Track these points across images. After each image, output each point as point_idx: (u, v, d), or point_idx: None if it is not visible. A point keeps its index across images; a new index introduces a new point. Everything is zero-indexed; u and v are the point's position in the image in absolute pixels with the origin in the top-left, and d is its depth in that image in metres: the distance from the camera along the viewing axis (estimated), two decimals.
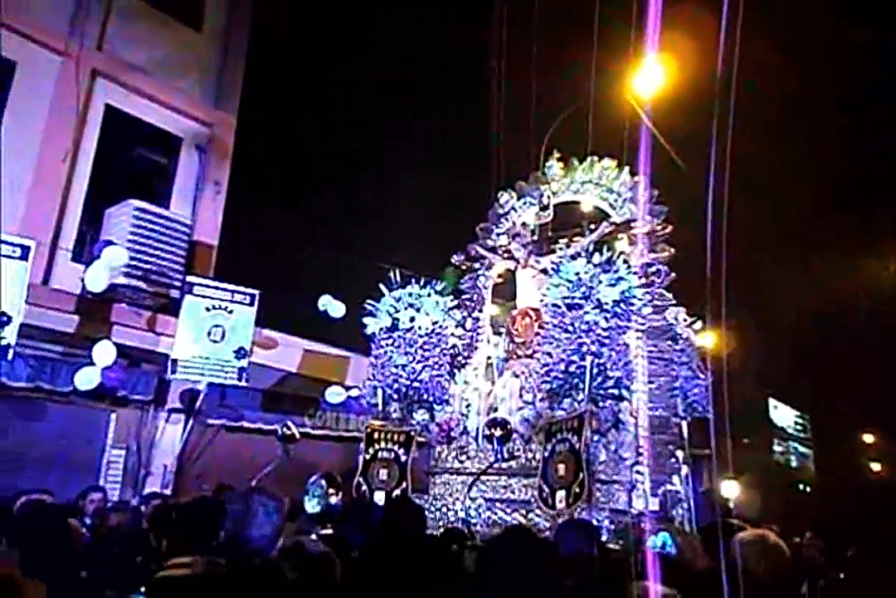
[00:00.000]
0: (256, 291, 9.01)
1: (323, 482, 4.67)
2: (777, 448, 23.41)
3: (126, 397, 8.51)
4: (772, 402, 23.13)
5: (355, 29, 10.98)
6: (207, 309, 8.73)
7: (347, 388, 9.83)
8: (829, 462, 23.05)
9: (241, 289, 8.95)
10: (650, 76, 6.41)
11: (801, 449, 24.86)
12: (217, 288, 8.88)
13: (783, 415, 24.20)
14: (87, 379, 7.63)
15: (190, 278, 8.81)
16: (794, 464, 24.47)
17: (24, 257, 7.41)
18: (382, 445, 5.58)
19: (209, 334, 8.69)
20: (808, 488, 23.43)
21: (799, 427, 24.97)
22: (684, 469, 5.76)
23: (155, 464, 8.73)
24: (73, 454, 8.13)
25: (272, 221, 9.97)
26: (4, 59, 8.37)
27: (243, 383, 8.86)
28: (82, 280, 8.12)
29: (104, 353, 7.67)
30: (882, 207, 15.23)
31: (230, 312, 8.86)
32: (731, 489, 7.46)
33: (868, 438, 23.79)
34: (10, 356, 7.14)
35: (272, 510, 2.43)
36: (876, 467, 23.34)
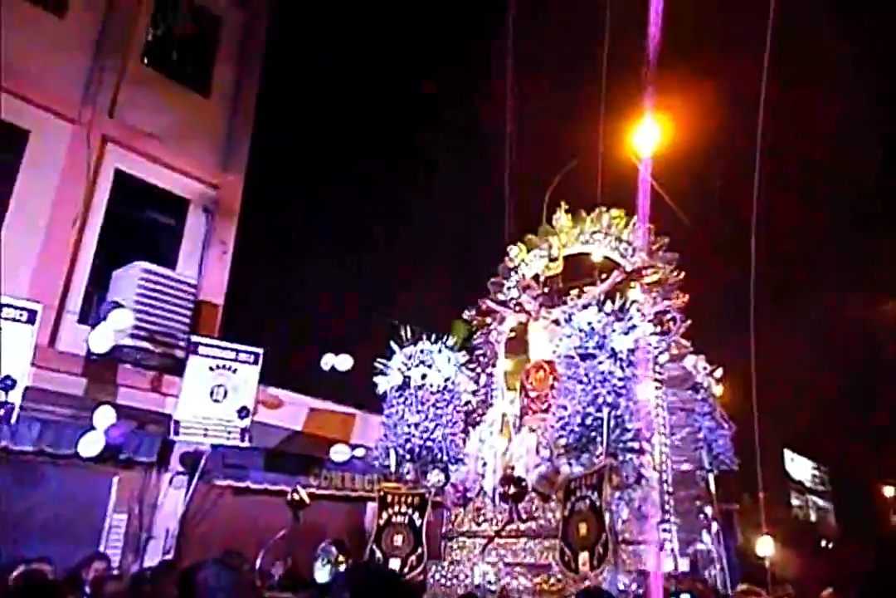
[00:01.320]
0: (260, 350, 8.95)
1: (332, 549, 4.47)
2: (795, 502, 22.75)
3: (129, 460, 8.35)
4: (788, 454, 22.61)
5: (361, 92, 11.28)
6: (211, 369, 8.66)
7: (353, 446, 9.64)
8: (850, 516, 22.36)
9: (246, 348, 8.89)
10: (655, 131, 6.54)
11: (821, 503, 24.14)
12: (221, 347, 8.83)
13: (800, 467, 23.60)
14: (89, 445, 7.49)
15: (194, 338, 8.77)
16: (813, 518, 23.72)
17: (31, 321, 7.40)
18: (396, 508, 5.36)
19: (212, 393, 8.59)
20: (829, 544, 22.64)
21: (817, 480, 24.32)
22: (714, 526, 5.54)
23: (157, 528, 8.51)
24: (74, 520, 7.95)
25: (278, 279, 10.00)
26: (18, 128, 8.59)
27: (246, 444, 8.68)
28: (87, 341, 8.08)
29: (106, 418, 7.56)
30: None
31: (234, 371, 8.78)
32: (766, 547, 7.09)
33: (889, 490, 23.18)
34: (14, 420, 7.01)
35: (224, 582, 2.29)
36: None
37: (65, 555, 6.72)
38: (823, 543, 21.85)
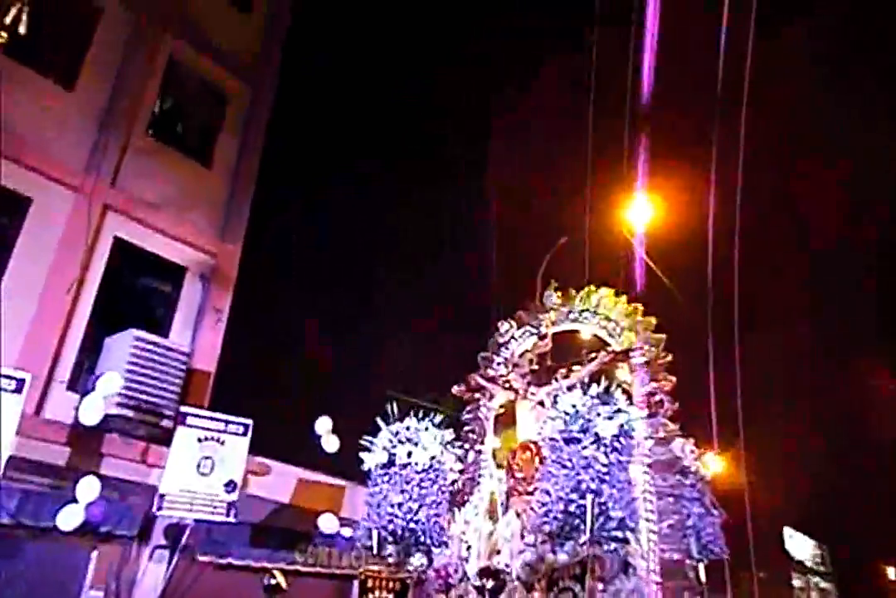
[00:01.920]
0: (250, 421, 8.83)
1: None
2: (796, 583, 21.95)
3: (109, 533, 8.10)
4: (787, 531, 21.98)
5: (357, 163, 11.59)
6: (199, 440, 8.52)
7: (342, 520, 9.40)
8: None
9: (235, 419, 8.77)
10: (644, 209, 6.71)
11: (822, 584, 23.30)
12: (210, 418, 8.70)
13: (800, 546, 22.89)
14: (69, 518, 7.31)
15: (184, 409, 8.65)
16: None
17: (18, 390, 7.32)
18: (377, 593, 5.18)
19: (199, 466, 8.41)
20: None
21: (818, 560, 23.56)
22: None
23: None
24: (49, 595, 7.63)
25: (270, 348, 10.00)
26: (19, 195, 8.75)
27: (230, 519, 8.46)
28: (76, 410, 7.99)
29: (88, 490, 7.40)
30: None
31: (222, 443, 8.63)
32: None
33: (892, 571, 22.48)
34: None
35: None
36: None
37: None
38: None
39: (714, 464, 6.44)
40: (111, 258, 9.37)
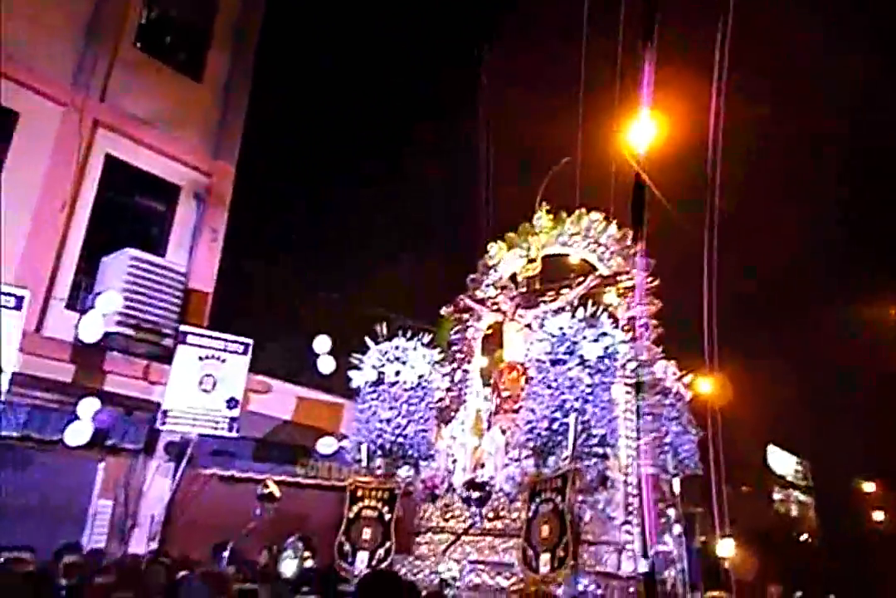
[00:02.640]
0: (250, 341, 8.99)
1: (299, 545, 4.55)
2: (777, 496, 22.96)
3: (116, 446, 8.44)
4: (770, 448, 22.77)
5: (353, 83, 11.24)
6: (200, 358, 8.71)
7: (341, 436, 9.72)
8: (831, 512, 22.60)
9: (235, 338, 8.92)
10: (642, 130, 6.54)
11: (802, 497, 24.37)
12: (210, 337, 8.86)
13: (783, 462, 23.79)
14: (77, 434, 7.58)
15: (184, 328, 8.80)
16: (794, 513, 23.94)
17: (18, 307, 7.43)
18: (366, 502, 5.45)
19: (201, 383, 8.64)
20: (810, 539, 22.90)
21: (799, 475, 24.53)
22: (677, 528, 5.63)
23: (142, 515, 8.60)
24: (60, 505, 8.04)
25: (267, 268, 10.03)
26: (8, 111, 8.57)
27: (234, 434, 8.76)
28: (76, 328, 8.13)
29: (90, 408, 7.64)
30: (883, 257, 15.31)
31: (223, 361, 8.83)
32: (726, 549, 7.23)
33: (869, 486, 23.41)
34: (0, 406, 7.09)
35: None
36: (878, 516, 22.90)
37: (49, 540, 6.86)
38: (804, 537, 22.12)
39: (699, 385, 6.56)
40: (104, 176, 9.26)
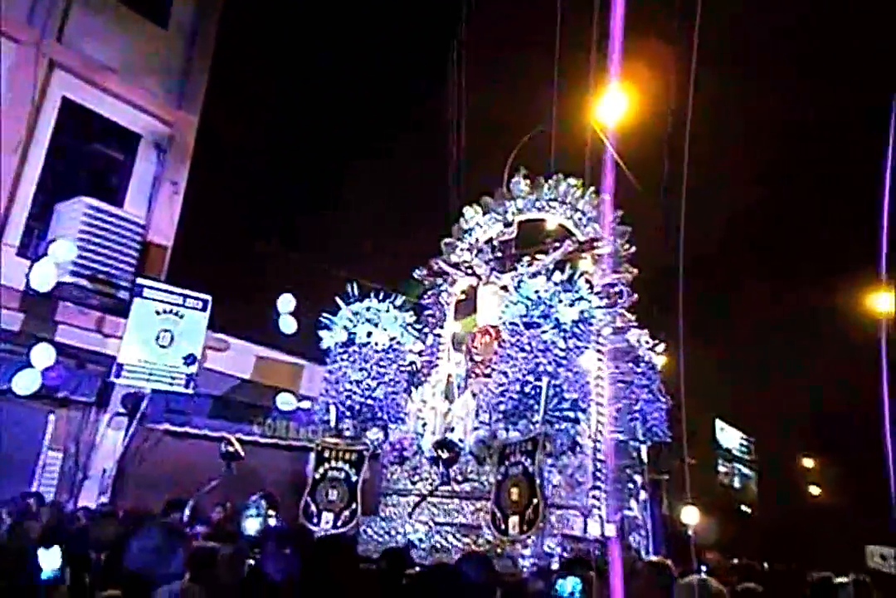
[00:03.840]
0: (209, 297, 8.77)
1: (263, 503, 4.47)
2: (721, 469, 23.84)
3: (67, 398, 8.22)
4: (719, 424, 23.57)
5: (322, 31, 10.86)
6: (157, 313, 8.48)
7: (300, 397, 9.64)
8: (772, 485, 23.60)
9: (194, 294, 8.70)
10: (613, 100, 6.48)
11: (745, 470, 25.37)
12: (168, 292, 8.62)
13: (729, 437, 24.68)
14: (25, 383, 7.32)
15: (140, 281, 8.54)
16: (736, 485, 24.93)
17: None
18: (333, 464, 5.40)
19: (157, 338, 8.43)
20: (750, 510, 23.89)
21: (744, 449, 25.49)
22: (643, 494, 5.73)
23: (94, 468, 8.43)
24: (8, 454, 7.78)
25: (229, 224, 9.74)
26: None
27: (189, 391, 8.60)
28: (27, 276, 7.81)
29: (43, 355, 7.38)
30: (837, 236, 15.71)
31: (181, 317, 8.61)
32: (690, 515, 7.45)
33: (808, 462, 24.47)
34: None
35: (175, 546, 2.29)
36: (815, 490, 23.99)
37: None
38: (744, 508, 23.06)
39: (664, 357, 6.64)
40: (60, 120, 8.81)
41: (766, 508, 22.52)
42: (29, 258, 8.15)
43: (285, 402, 9.32)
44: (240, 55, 10.28)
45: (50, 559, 3.06)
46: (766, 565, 6.79)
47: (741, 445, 25.33)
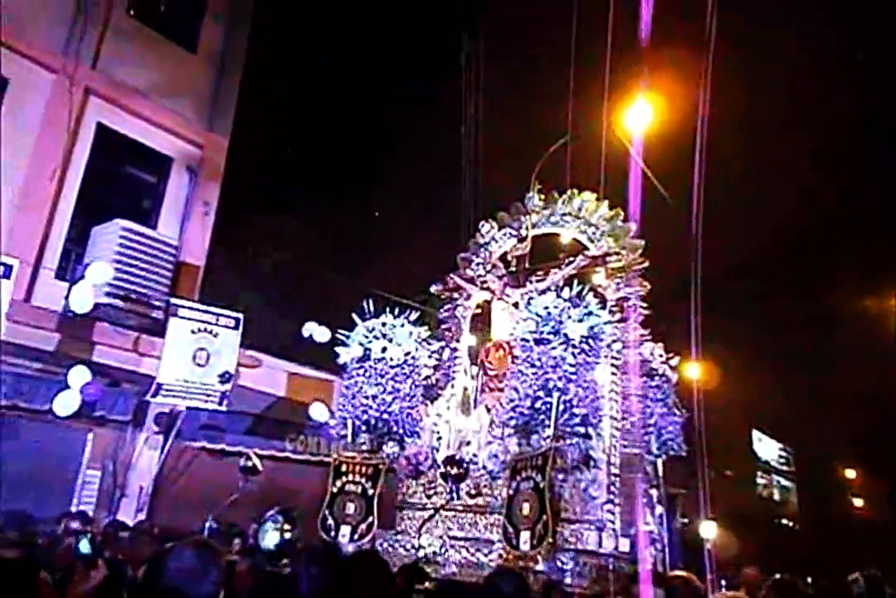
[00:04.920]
0: (241, 315, 8.97)
1: (279, 517, 4.57)
2: (760, 481, 23.22)
3: (104, 417, 8.45)
4: (756, 434, 23.00)
5: (345, 54, 11.09)
6: (192, 332, 8.67)
7: (331, 412, 9.73)
8: (813, 497, 22.91)
9: (226, 312, 8.90)
10: (638, 113, 6.49)
11: (784, 483, 24.65)
12: (202, 311, 8.83)
13: (768, 448, 24.03)
14: (66, 403, 7.57)
15: (175, 301, 8.75)
16: (776, 497, 24.24)
17: (6, 276, 7.38)
18: (350, 477, 5.48)
19: (194, 357, 8.61)
20: (790, 523, 23.21)
21: (783, 461, 24.79)
22: (658, 509, 5.68)
23: (131, 486, 8.64)
24: (48, 474, 8.03)
25: (259, 243, 9.98)
26: None
27: (223, 408, 8.78)
28: (65, 298, 8.09)
29: (80, 377, 7.62)
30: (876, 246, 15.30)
31: (215, 335, 8.80)
32: (708, 530, 7.32)
33: (850, 473, 23.70)
34: None
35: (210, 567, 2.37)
36: (858, 503, 23.22)
37: (38, 507, 6.88)
38: (785, 521, 22.43)
39: (685, 368, 6.59)
40: (95, 145, 9.16)
41: (808, 521, 21.86)
42: (67, 281, 8.45)
43: (319, 412, 9.41)
44: (267, 77, 10.57)
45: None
46: (808, 580, 6.63)
47: (780, 456, 24.62)
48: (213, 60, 10.49)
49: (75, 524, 5.94)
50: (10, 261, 7.42)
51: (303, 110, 10.57)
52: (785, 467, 24.71)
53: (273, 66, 10.62)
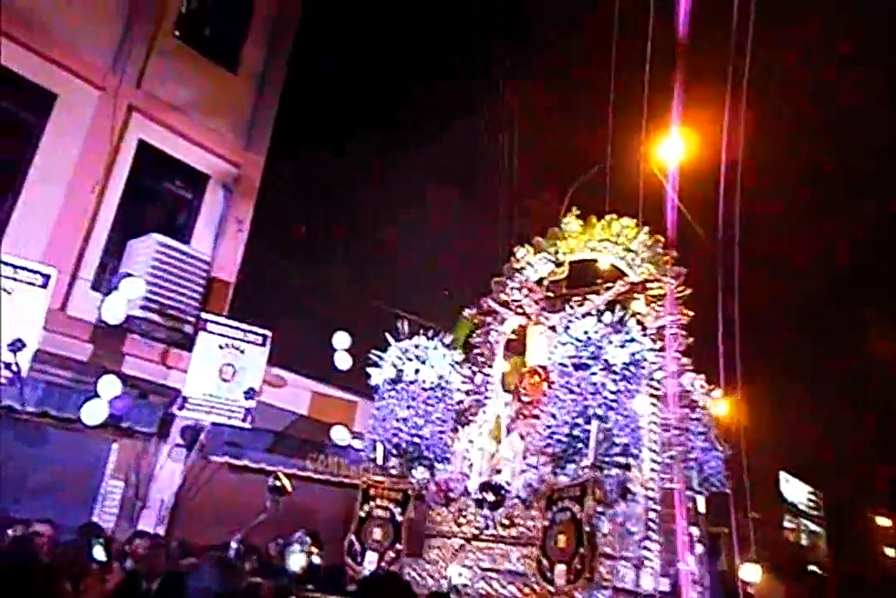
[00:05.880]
0: (268, 333, 8.97)
1: (306, 539, 4.46)
2: (788, 525, 22.47)
3: (130, 428, 8.47)
4: (783, 476, 22.34)
5: (385, 79, 11.22)
6: (220, 347, 8.71)
7: (354, 434, 9.66)
8: (843, 544, 22.10)
9: (254, 329, 8.91)
10: (673, 143, 6.45)
11: (813, 527, 23.82)
12: (231, 326, 8.85)
13: (795, 490, 23.28)
14: (93, 413, 7.58)
15: (205, 316, 8.82)
16: (804, 542, 23.43)
17: (44, 285, 7.45)
18: (378, 502, 5.34)
19: (220, 372, 8.62)
20: (819, 571, 22.40)
21: (811, 504, 23.98)
22: (699, 548, 5.47)
23: (152, 498, 8.62)
24: (72, 482, 8.08)
25: (290, 261, 10.01)
26: (46, 92, 8.63)
27: (247, 425, 8.74)
28: (99, 309, 8.15)
29: (110, 387, 7.64)
30: None
31: (242, 351, 8.82)
32: (751, 574, 7.02)
33: (884, 521, 22.88)
34: (20, 382, 7.10)
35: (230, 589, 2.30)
36: (891, 552, 22.38)
37: (61, 514, 6.87)
38: (812, 567, 21.64)
39: (721, 403, 6.42)
40: (136, 161, 9.32)
41: (838, 568, 21.07)
42: (101, 292, 8.54)
43: (340, 436, 9.34)
44: (305, 97, 10.71)
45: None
46: None
47: (808, 499, 23.84)
48: (253, 81, 10.67)
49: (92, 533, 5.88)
50: (49, 270, 7.50)
51: (339, 133, 10.65)
52: (814, 512, 23.92)
53: (312, 87, 10.76)
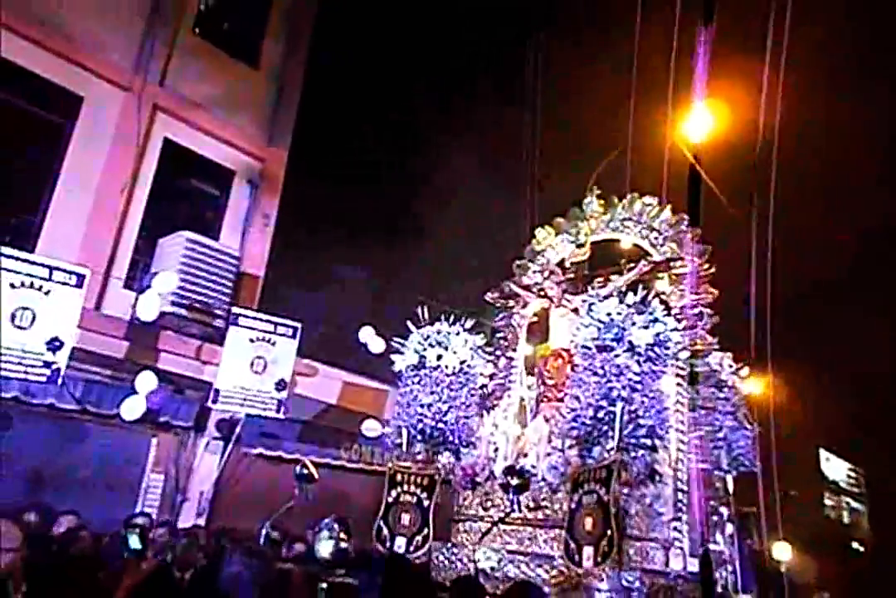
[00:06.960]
0: (299, 324, 9.07)
1: (335, 526, 4.52)
2: (828, 503, 22.02)
3: (168, 423, 8.64)
4: (823, 454, 21.88)
5: (406, 69, 11.18)
6: (251, 340, 8.80)
7: (385, 422, 9.72)
8: (885, 521, 21.57)
9: (285, 321, 9.01)
10: (698, 118, 6.31)
11: (854, 504, 23.32)
12: (261, 320, 8.95)
13: (835, 468, 22.79)
14: (131, 408, 7.77)
15: (235, 310, 8.91)
16: (846, 520, 22.94)
17: (79, 285, 7.61)
18: (405, 488, 5.38)
19: (252, 365, 8.74)
20: (861, 547, 21.92)
21: (852, 482, 23.46)
22: (729, 527, 5.40)
23: (192, 490, 8.81)
24: (115, 476, 8.29)
25: (317, 253, 10.07)
26: (73, 95, 8.80)
27: (281, 416, 8.86)
28: (133, 307, 8.33)
29: (147, 382, 7.81)
30: None
31: (273, 344, 8.91)
32: (783, 552, 6.92)
33: None
34: (60, 380, 7.30)
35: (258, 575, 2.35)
36: None
37: (105, 509, 7.11)
38: (856, 545, 21.21)
39: (754, 383, 6.30)
40: (162, 160, 9.45)
41: (881, 545, 20.60)
42: (134, 290, 8.72)
43: (371, 428, 9.42)
44: (326, 91, 10.74)
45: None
46: None
47: (849, 476, 23.33)
48: (274, 76, 10.74)
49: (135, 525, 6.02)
50: (83, 271, 7.66)
51: (361, 124, 10.67)
52: (855, 489, 23.41)
53: (332, 80, 10.78)
